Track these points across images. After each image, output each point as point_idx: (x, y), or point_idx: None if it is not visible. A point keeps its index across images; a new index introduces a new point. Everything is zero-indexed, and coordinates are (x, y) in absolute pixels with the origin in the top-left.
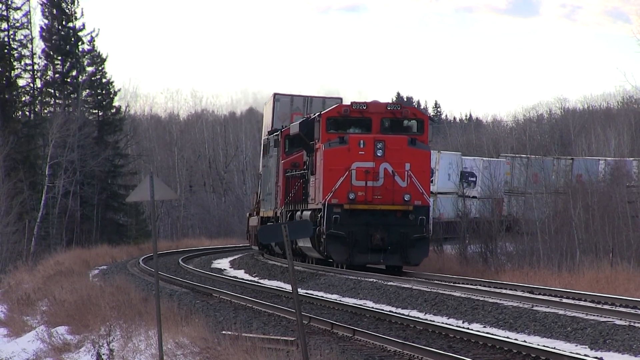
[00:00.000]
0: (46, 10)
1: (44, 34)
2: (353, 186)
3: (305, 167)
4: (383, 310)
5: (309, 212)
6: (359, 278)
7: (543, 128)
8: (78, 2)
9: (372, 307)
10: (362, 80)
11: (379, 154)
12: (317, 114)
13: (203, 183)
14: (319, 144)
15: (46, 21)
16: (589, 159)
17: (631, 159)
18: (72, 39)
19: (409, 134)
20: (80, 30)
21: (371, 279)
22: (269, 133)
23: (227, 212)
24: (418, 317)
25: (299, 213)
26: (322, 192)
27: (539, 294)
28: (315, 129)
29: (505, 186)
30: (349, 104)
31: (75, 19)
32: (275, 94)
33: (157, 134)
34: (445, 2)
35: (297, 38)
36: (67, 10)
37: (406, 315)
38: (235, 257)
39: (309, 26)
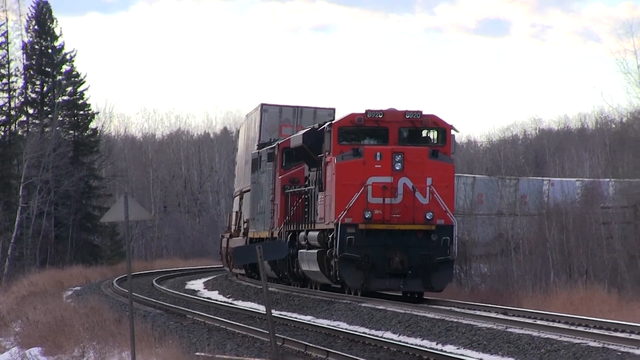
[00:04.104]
0: (30, 27)
1: (26, 51)
2: (369, 203)
3: (306, 182)
4: (357, 331)
5: (317, 233)
6: (332, 299)
7: (518, 149)
8: (57, 21)
9: (346, 329)
10: (336, 99)
11: (397, 168)
12: (326, 123)
13: (177, 203)
14: (330, 156)
15: (29, 39)
16: (533, 179)
17: (607, 179)
18: (56, 59)
19: (430, 144)
20: (60, 49)
21: (345, 300)
22: (259, 147)
23: (202, 232)
24: (392, 339)
25: (303, 234)
26: (334, 211)
27: (513, 316)
28: (325, 140)
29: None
30: (364, 112)
31: (55, 38)
32: (262, 104)
33: (133, 154)
34: (415, 22)
35: (268, 58)
36: (49, 29)
37: (380, 337)
38: (210, 278)
39: (280, 46)
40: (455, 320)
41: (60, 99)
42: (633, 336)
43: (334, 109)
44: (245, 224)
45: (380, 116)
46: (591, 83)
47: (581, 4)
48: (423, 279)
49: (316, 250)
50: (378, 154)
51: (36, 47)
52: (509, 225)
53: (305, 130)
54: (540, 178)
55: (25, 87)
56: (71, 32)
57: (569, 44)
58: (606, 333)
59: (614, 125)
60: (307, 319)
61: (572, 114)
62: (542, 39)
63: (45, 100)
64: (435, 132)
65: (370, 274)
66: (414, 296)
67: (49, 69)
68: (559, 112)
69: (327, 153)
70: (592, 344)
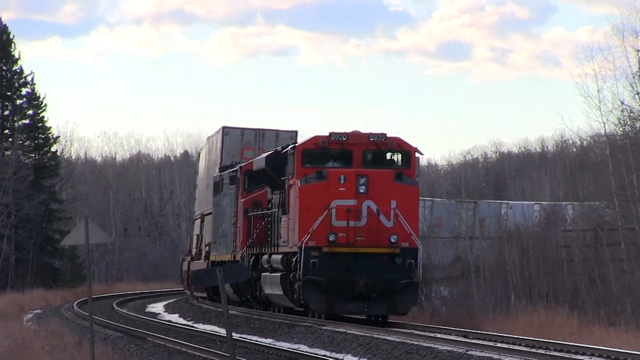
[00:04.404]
0: None
1: None
2: (333, 226)
3: (269, 205)
4: (317, 354)
5: (280, 256)
6: (293, 322)
7: (478, 172)
8: (15, 44)
9: (307, 352)
10: (297, 122)
11: (361, 191)
12: (290, 146)
13: (138, 227)
14: (294, 179)
15: None
16: (492, 202)
17: (566, 203)
18: (16, 82)
19: (394, 167)
20: (20, 73)
21: (306, 323)
22: (221, 169)
23: (162, 255)
24: None
25: (266, 257)
26: (298, 234)
27: (474, 338)
28: (289, 163)
29: None
30: (327, 134)
31: (15, 62)
32: (224, 127)
33: (93, 178)
34: (375, 47)
35: (229, 82)
36: (9, 53)
37: None
38: (170, 301)
39: (240, 70)
40: (416, 343)
41: (20, 123)
42: (593, 359)
43: (296, 132)
44: (207, 247)
45: (344, 139)
46: (551, 107)
47: (541, 28)
48: (388, 303)
49: (279, 274)
50: (342, 176)
51: None
52: (468, 249)
53: (269, 152)
54: (499, 201)
55: None
56: (32, 56)
57: (529, 68)
58: (567, 356)
59: (574, 149)
60: (267, 341)
61: (532, 138)
62: (502, 63)
63: (6, 124)
64: (400, 155)
65: (334, 297)
66: (378, 319)
67: (9, 93)
68: (520, 136)
69: (290, 176)
70: None
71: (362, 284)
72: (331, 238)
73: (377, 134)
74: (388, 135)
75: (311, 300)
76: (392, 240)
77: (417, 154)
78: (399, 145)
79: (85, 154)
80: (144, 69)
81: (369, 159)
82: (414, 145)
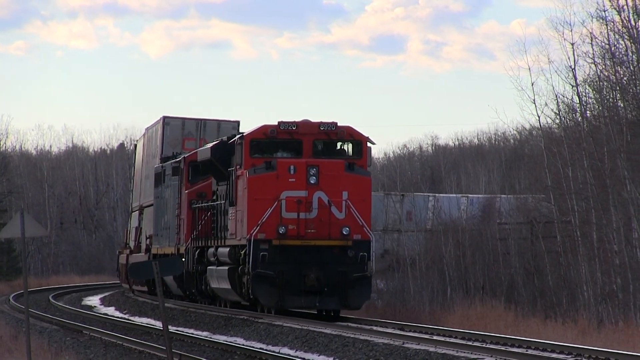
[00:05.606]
0: None
1: None
2: (283, 219)
3: (214, 197)
4: (254, 347)
5: (227, 250)
6: (230, 315)
7: (414, 165)
8: None
9: (243, 345)
10: (235, 114)
11: (312, 181)
12: (237, 136)
13: (74, 220)
14: (241, 170)
15: None
16: (418, 195)
17: (494, 196)
18: None
19: (346, 157)
20: None
21: (242, 317)
22: (162, 161)
23: (98, 249)
24: (289, 354)
25: (212, 250)
26: (247, 226)
27: (410, 331)
28: (236, 153)
29: None
30: (276, 123)
31: None
32: (164, 117)
33: (28, 171)
34: (309, 40)
35: (164, 74)
36: None
37: (277, 353)
38: (106, 294)
39: (174, 63)
40: (352, 335)
41: None
42: (530, 351)
43: (238, 122)
44: (148, 240)
45: (293, 128)
46: (487, 100)
47: (475, 21)
48: (340, 297)
49: (227, 267)
50: (292, 167)
51: None
52: (396, 242)
53: (214, 142)
54: (426, 194)
55: None
56: None
57: (463, 61)
58: (502, 348)
59: (512, 141)
60: (204, 334)
61: (468, 131)
62: (436, 56)
63: None
64: (351, 145)
65: (284, 291)
66: (329, 314)
67: None
68: (455, 129)
69: (238, 166)
70: (488, 359)
71: (313, 277)
72: (281, 230)
73: (328, 123)
74: (339, 124)
75: (261, 295)
76: (343, 232)
77: (368, 144)
78: (350, 134)
79: (21, 146)
80: (79, 62)
81: (320, 149)
82: (365, 134)
